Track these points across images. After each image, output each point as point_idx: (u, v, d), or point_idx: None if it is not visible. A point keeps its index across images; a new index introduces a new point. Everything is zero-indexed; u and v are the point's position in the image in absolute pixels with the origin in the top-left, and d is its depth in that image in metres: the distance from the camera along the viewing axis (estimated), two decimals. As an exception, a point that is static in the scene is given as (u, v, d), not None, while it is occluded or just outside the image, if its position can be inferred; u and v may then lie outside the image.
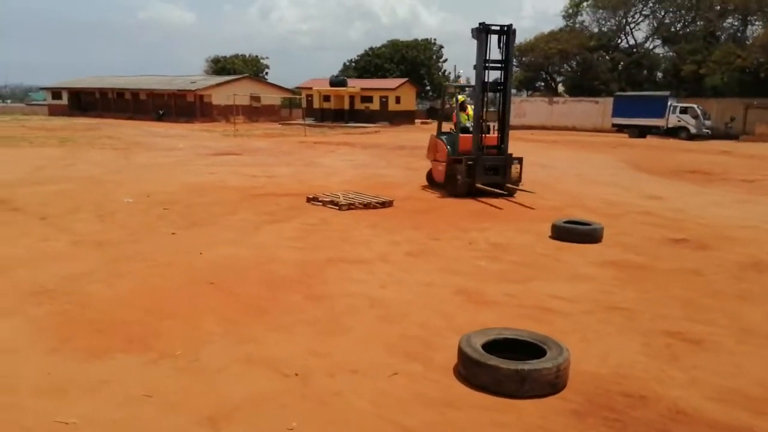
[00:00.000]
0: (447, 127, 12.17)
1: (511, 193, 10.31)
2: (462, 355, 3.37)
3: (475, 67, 10.41)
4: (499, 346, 3.49)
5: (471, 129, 10.74)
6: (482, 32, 10.07)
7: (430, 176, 11.73)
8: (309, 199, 9.67)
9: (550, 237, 7.31)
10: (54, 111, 50.31)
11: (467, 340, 3.44)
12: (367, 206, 9.28)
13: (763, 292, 5.22)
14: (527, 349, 3.45)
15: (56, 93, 52.46)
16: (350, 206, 9.14)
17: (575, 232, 7.15)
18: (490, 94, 10.69)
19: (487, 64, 10.27)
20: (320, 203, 9.44)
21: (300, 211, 8.80)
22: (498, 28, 10.20)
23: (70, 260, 5.79)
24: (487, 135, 10.63)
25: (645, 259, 6.33)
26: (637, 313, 4.54)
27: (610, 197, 10.82)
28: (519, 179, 10.52)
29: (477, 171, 10.11)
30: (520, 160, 10.47)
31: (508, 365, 3.18)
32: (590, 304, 4.74)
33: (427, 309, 4.55)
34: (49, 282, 5.04)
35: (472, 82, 11.11)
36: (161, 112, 43.89)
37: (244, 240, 6.87)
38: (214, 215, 8.33)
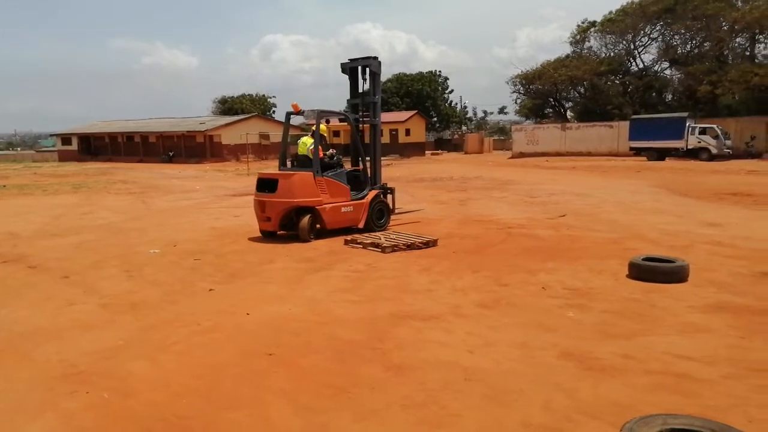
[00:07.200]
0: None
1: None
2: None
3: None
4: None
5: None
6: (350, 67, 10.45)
7: (292, 224, 9.29)
8: (347, 242, 8.97)
9: (627, 276, 6.55)
10: (64, 157, 50.41)
11: (632, 436, 2.68)
12: (410, 247, 8.57)
13: None
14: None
15: (66, 139, 52.67)
16: (394, 248, 8.43)
17: (658, 271, 6.35)
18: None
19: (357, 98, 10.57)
20: (360, 245, 8.73)
21: (341, 256, 8.09)
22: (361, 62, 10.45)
23: (103, 329, 5.05)
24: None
25: (749, 301, 5.55)
26: (793, 377, 3.76)
27: (665, 226, 10.06)
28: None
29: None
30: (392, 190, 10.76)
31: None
32: (729, 366, 3.96)
33: (537, 382, 3.77)
34: (82, 360, 4.30)
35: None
36: (171, 154, 43.70)
37: (291, 294, 6.14)
38: (251, 264, 7.62)
